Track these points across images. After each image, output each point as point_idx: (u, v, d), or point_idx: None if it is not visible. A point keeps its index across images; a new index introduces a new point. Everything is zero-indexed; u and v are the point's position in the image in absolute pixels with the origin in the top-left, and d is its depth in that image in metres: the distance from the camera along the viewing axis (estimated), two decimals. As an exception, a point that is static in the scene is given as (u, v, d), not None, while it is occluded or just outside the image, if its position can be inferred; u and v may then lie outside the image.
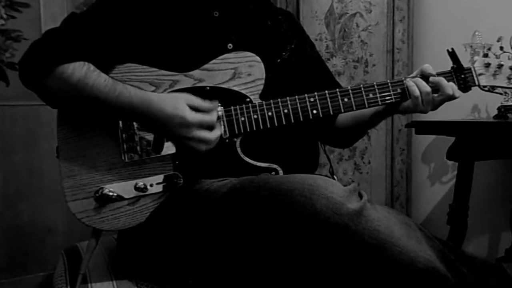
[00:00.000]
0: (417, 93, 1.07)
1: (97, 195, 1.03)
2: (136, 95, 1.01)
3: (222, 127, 1.06)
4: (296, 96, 1.08)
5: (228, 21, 1.15)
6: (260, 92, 1.09)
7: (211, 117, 1.02)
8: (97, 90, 1.00)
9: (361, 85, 1.09)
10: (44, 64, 1.01)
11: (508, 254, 2.00)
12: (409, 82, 1.09)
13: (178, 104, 1.01)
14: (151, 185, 1.04)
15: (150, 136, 1.05)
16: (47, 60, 1.01)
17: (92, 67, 1.02)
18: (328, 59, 2.27)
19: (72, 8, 2.22)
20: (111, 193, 1.02)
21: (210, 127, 1.02)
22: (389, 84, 1.10)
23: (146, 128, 1.04)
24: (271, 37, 1.21)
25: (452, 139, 1.90)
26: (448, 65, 1.13)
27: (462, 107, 2.19)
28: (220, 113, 1.06)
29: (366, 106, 1.10)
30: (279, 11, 1.31)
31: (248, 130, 1.07)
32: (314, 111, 1.08)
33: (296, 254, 0.85)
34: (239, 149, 1.07)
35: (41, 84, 1.03)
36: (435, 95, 1.09)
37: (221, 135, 1.05)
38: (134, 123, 1.04)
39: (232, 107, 1.07)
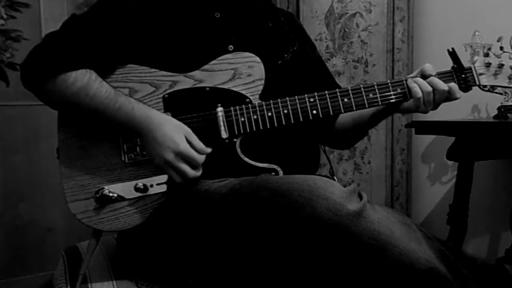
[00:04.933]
0: (420, 94, 1.07)
1: (97, 195, 1.03)
2: (139, 109, 1.02)
3: (222, 127, 1.06)
4: (296, 97, 1.07)
5: (229, 22, 1.15)
6: (260, 92, 1.09)
7: (200, 158, 1.01)
8: (97, 100, 1.01)
9: (361, 85, 1.09)
10: (45, 71, 1.01)
11: (508, 254, 2.00)
12: (411, 83, 1.08)
13: (177, 131, 1.01)
14: (151, 186, 1.04)
15: (150, 137, 1.04)
16: (49, 67, 1.01)
17: (94, 75, 1.03)
18: (328, 59, 2.27)
19: (73, 8, 2.21)
20: (111, 194, 1.03)
21: (194, 167, 1.01)
22: (389, 84, 1.10)
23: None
24: (272, 39, 1.21)
25: (452, 139, 1.89)
26: (448, 64, 1.12)
27: (462, 107, 2.19)
28: (220, 113, 1.06)
29: (366, 106, 1.09)
30: (280, 12, 1.30)
31: (248, 130, 1.06)
32: (314, 112, 1.08)
33: (296, 255, 0.85)
34: (239, 150, 1.07)
35: (42, 89, 1.03)
36: (436, 95, 1.09)
37: (220, 136, 1.05)
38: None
39: (232, 108, 1.07)
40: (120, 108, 1.01)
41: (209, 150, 1.03)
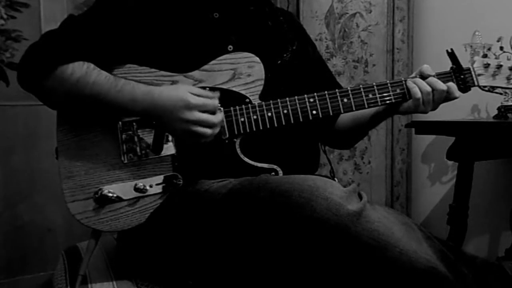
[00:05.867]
0: (419, 94, 1.07)
1: (96, 196, 1.03)
2: (139, 87, 1.02)
3: (222, 127, 1.06)
4: (296, 97, 1.07)
5: (228, 23, 1.15)
6: (259, 92, 1.09)
7: (213, 102, 1.01)
8: (98, 86, 1.00)
9: (361, 86, 1.09)
10: (43, 66, 1.01)
11: (508, 254, 2.00)
12: (410, 84, 1.09)
13: (180, 90, 1.01)
14: (150, 186, 1.04)
15: (149, 137, 1.04)
16: (46, 62, 1.01)
17: (92, 66, 1.02)
18: (328, 59, 2.27)
19: (72, 8, 2.21)
20: (110, 194, 1.02)
21: (212, 112, 1.01)
22: (389, 85, 1.10)
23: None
24: (272, 38, 1.21)
25: (452, 139, 1.89)
26: (448, 64, 1.13)
27: (462, 107, 2.19)
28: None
29: (366, 106, 1.10)
30: (280, 11, 1.30)
31: (248, 130, 1.06)
32: (314, 112, 1.08)
33: (296, 255, 0.85)
34: (238, 150, 1.07)
35: (40, 85, 1.03)
36: (435, 95, 1.09)
37: (220, 136, 1.05)
38: (134, 123, 1.04)
39: (231, 108, 1.07)
40: (122, 89, 1.00)
41: (218, 93, 1.02)
